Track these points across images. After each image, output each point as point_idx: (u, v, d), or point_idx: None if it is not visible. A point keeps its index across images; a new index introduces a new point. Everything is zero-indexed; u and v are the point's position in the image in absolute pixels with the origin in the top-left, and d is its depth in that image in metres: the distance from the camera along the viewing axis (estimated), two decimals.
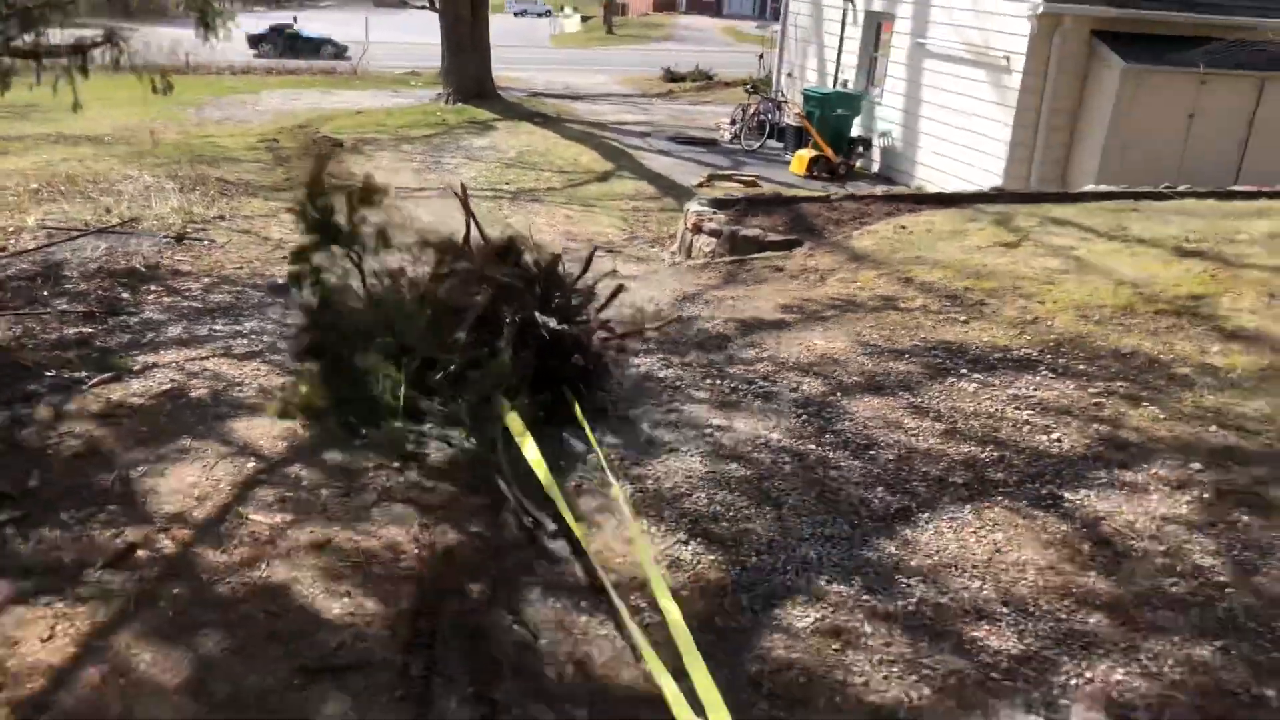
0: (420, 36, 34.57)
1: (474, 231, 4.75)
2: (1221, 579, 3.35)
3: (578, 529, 3.32)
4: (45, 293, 6.30)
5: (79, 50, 6.48)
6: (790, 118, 16.44)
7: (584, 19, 51.28)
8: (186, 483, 3.75)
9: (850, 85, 16.13)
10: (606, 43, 43.26)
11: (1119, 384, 4.95)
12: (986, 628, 3.10)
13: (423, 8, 31.54)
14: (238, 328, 5.88)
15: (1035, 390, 4.90)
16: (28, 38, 6.31)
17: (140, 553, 3.27)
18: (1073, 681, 2.87)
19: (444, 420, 4.06)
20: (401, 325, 4.06)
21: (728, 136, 17.52)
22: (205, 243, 8.34)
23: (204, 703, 2.61)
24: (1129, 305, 6.02)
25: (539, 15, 52.22)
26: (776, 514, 3.74)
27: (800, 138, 15.70)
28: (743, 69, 35.77)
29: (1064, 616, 3.16)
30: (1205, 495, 3.88)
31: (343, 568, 3.21)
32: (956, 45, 13.60)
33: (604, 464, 3.46)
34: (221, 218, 9.47)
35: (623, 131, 18.06)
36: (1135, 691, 2.83)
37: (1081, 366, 5.18)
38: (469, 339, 4.13)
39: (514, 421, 3.87)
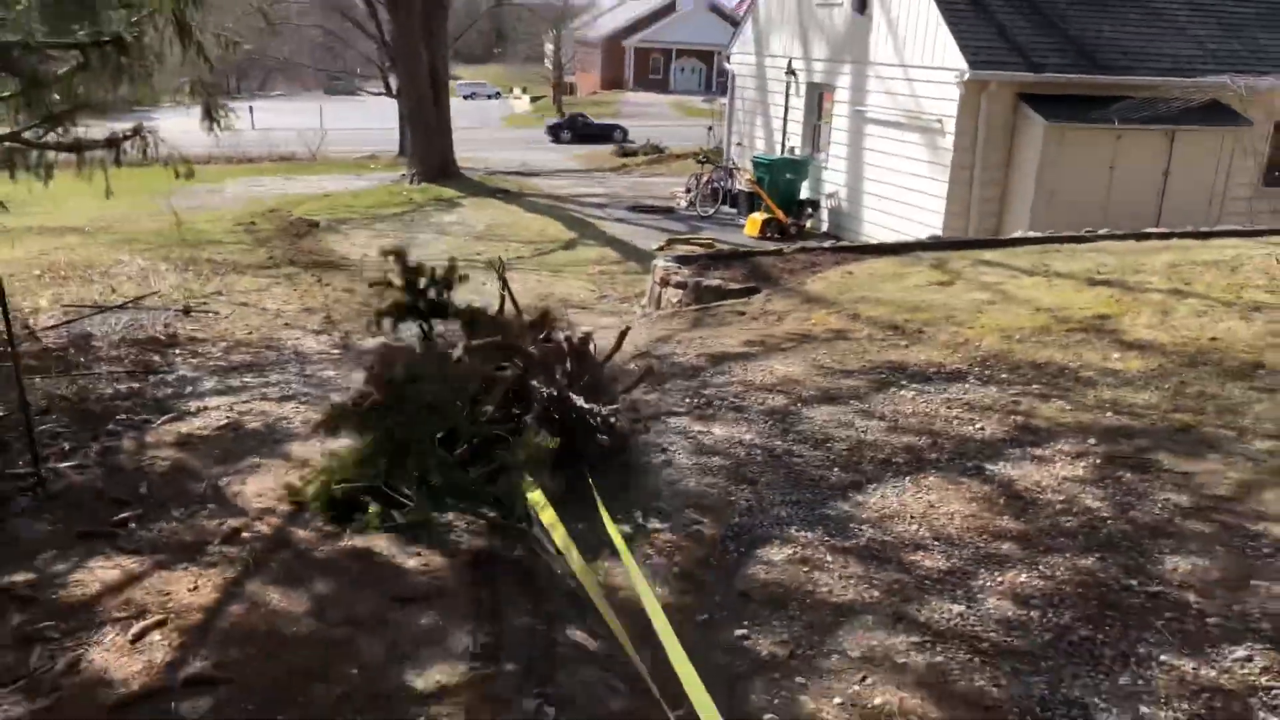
0: (372, 122, 36.08)
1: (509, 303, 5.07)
2: (1105, 515, 4.39)
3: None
4: (82, 359, 7.18)
5: (113, 144, 7.47)
6: (742, 184, 17.84)
7: (534, 99, 53.30)
8: (265, 487, 4.66)
9: (797, 151, 17.60)
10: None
11: (1034, 386, 6.05)
12: (921, 554, 4.10)
13: (379, 94, 33.05)
14: (265, 379, 6.80)
15: (964, 395, 5.98)
16: (62, 133, 7.29)
17: (244, 534, 4.17)
18: (987, 584, 3.86)
19: (471, 496, 4.22)
20: (439, 395, 4.29)
21: (683, 204, 18.87)
22: (211, 314, 9.27)
23: (326, 621, 3.51)
24: (1046, 326, 7.18)
25: (489, 97, 54.17)
26: (753, 489, 4.73)
27: (752, 202, 17.06)
28: (692, 141, 37.64)
29: (981, 545, 4.17)
30: (1097, 461, 4.94)
31: (410, 537, 4.14)
32: (893, 111, 15.10)
33: (622, 550, 3.20)
34: (219, 293, 10.41)
35: (583, 203, 19.34)
36: (1034, 588, 3.83)
37: (1003, 375, 6.29)
38: (497, 413, 4.33)
39: (536, 496, 3.95)
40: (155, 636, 3.41)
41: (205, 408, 5.95)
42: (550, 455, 4.20)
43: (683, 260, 9.80)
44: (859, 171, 16.11)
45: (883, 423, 5.58)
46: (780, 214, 16.20)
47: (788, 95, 17.75)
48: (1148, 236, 10.90)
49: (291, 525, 4.27)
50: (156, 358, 7.34)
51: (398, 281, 4.72)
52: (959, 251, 10.08)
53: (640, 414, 5.08)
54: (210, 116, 9.29)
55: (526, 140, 36.77)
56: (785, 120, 17.96)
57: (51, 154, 7.32)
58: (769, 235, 15.89)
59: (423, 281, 4.72)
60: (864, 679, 3.24)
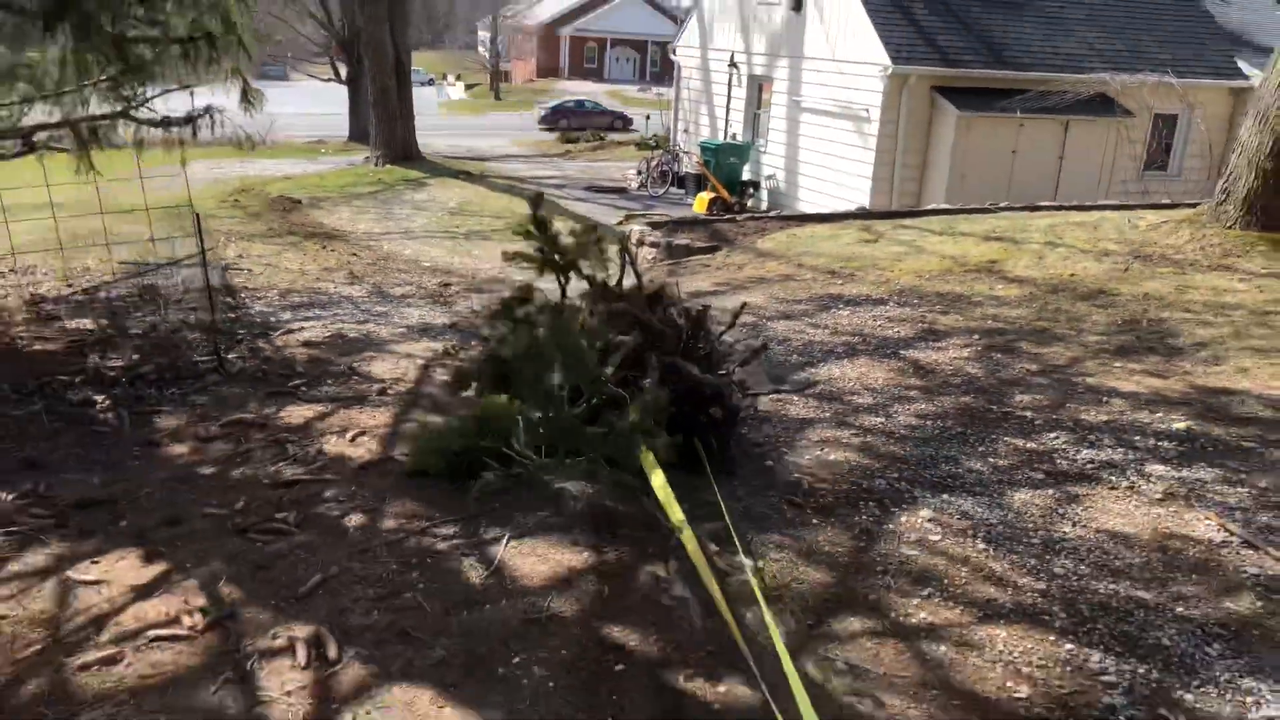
0: (311, 107, 37.30)
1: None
2: (980, 376, 6.58)
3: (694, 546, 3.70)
4: (161, 304, 8.93)
5: (189, 120, 9.21)
6: (689, 167, 19.97)
7: (468, 87, 54.74)
8: (388, 367, 6.59)
9: (739, 137, 19.80)
10: (496, 109, 46.76)
11: (937, 307, 8.26)
12: (855, 397, 6.23)
13: (329, 80, 34.38)
14: (332, 313, 8.65)
15: (885, 313, 8.16)
16: (150, 110, 9.01)
17: (390, 391, 6.10)
18: (899, 410, 6.00)
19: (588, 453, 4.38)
20: (564, 354, 4.49)
21: (635, 185, 20.94)
22: (245, 271, 11.00)
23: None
24: (948, 269, 9.42)
25: (423, 84, 55.38)
26: (741, 370, 6.80)
27: (699, 183, 19.22)
28: (630, 130, 39.76)
29: (896, 392, 6.32)
30: (978, 349, 7.14)
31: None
32: (825, 101, 17.38)
33: (727, 519, 3.72)
34: (240, 256, 12.11)
35: (541, 184, 21.26)
36: (929, 411, 5.97)
37: (915, 300, 8.48)
38: (617, 376, 4.51)
39: (646, 457, 4.10)
40: (363, 438, 5.35)
41: (301, 327, 7.80)
42: (666, 416, 4.36)
43: (654, 225, 11.86)
44: (795, 155, 18.37)
45: (826, 330, 7.72)
46: (725, 193, 18.37)
47: (730, 86, 19.93)
48: (1039, 209, 13.30)
49: (422, 385, 6.22)
50: (229, 299, 9.10)
51: (535, 233, 4.96)
52: (883, 220, 12.34)
53: (749, 390, 5.23)
54: (246, 98, 11.05)
55: (467, 127, 38.40)
56: (728, 108, 20.13)
57: (145, 129, 9.03)
58: (715, 213, 18.02)
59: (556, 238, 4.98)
60: (823, 449, 5.34)
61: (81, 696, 3.22)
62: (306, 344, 7.18)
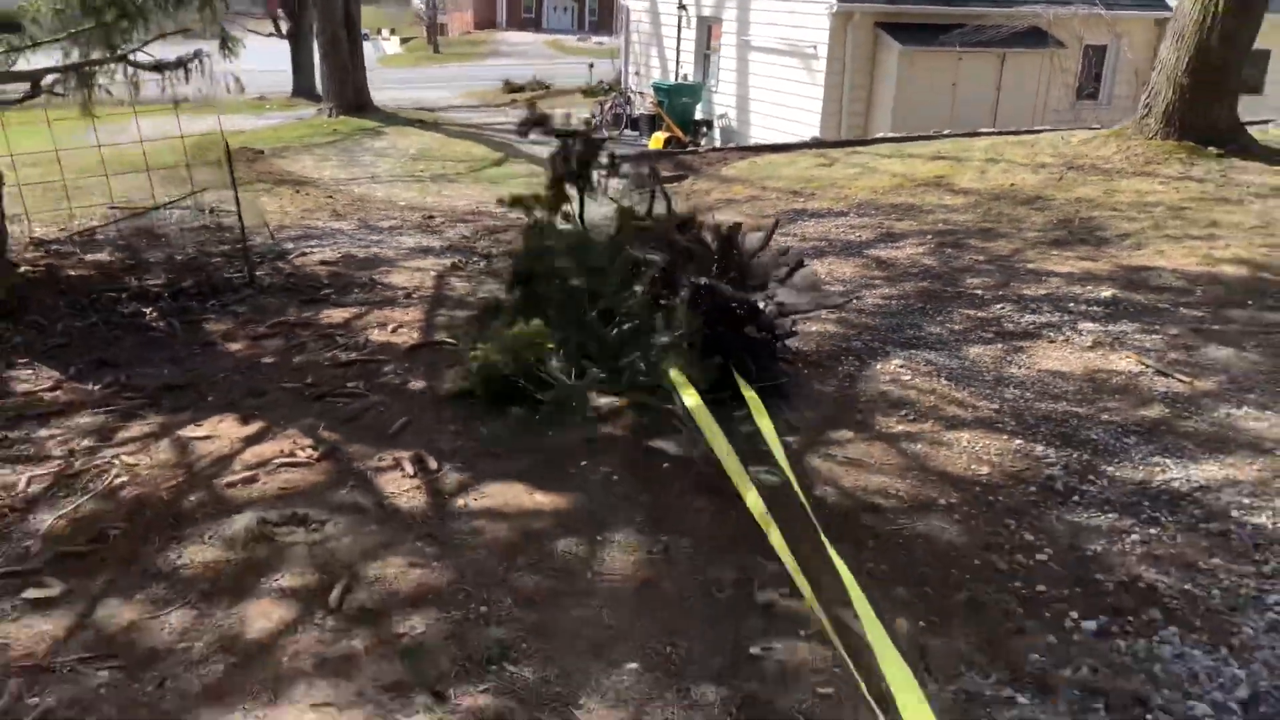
0: (247, 64, 37.09)
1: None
2: (935, 266, 7.52)
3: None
4: (166, 239, 9.52)
5: (181, 64, 9.75)
6: (643, 109, 20.66)
7: (403, 40, 54.39)
8: (404, 278, 7.34)
9: (690, 78, 20.53)
10: (435, 61, 46.66)
11: (892, 215, 9.20)
12: (829, 287, 7.13)
13: (270, 35, 34.27)
14: (331, 242, 9.31)
15: (847, 222, 9.07)
16: (145, 56, 9.53)
17: (415, 294, 6.87)
18: (866, 295, 6.92)
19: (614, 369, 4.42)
20: (590, 276, 4.59)
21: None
22: (229, 213, 11.56)
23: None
24: (900, 184, 10.36)
25: None
26: None
27: (653, 124, 19.92)
28: (574, 79, 40.17)
29: (861, 282, 7.24)
30: (932, 246, 8.09)
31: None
32: (774, 40, 18.18)
33: (772, 443, 3.66)
34: (220, 201, 12.64)
35: (497, 131, 21.77)
36: (893, 295, 6.90)
37: (872, 212, 9.41)
38: (646, 296, 4.53)
39: (676, 376, 4.12)
40: (402, 330, 6.13)
41: (311, 251, 8.49)
42: (698, 328, 4.38)
43: (624, 158, 12.61)
44: (746, 93, 19.17)
45: (795, 238, 8.62)
46: (679, 132, 19.12)
47: (679, 28, 20.61)
48: (979, 134, 14.30)
49: (441, 289, 6.99)
50: (226, 234, 9.72)
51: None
52: (835, 148, 13.24)
53: (788, 308, 5.12)
54: (226, 45, 11.54)
55: (409, 80, 38.46)
56: (678, 51, 20.83)
57: (139, 72, 9.55)
58: (670, 152, 18.80)
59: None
60: (804, 324, 6.24)
61: (234, 504, 4.02)
62: (323, 263, 7.89)
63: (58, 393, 5.45)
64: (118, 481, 4.32)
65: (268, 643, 3.11)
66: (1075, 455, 4.38)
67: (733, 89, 19.51)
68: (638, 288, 4.63)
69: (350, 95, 22.38)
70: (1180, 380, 5.17)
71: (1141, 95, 11.02)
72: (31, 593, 3.51)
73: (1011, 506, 3.95)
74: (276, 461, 4.34)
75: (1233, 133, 10.16)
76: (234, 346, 6.08)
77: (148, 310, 6.72)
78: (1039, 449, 4.45)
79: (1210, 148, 9.97)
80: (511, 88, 36.19)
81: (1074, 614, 3.22)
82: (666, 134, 19.13)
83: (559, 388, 4.42)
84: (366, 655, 3.02)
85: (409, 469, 4.21)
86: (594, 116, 21.89)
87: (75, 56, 9.34)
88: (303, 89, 31.42)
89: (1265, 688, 2.87)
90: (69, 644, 3.19)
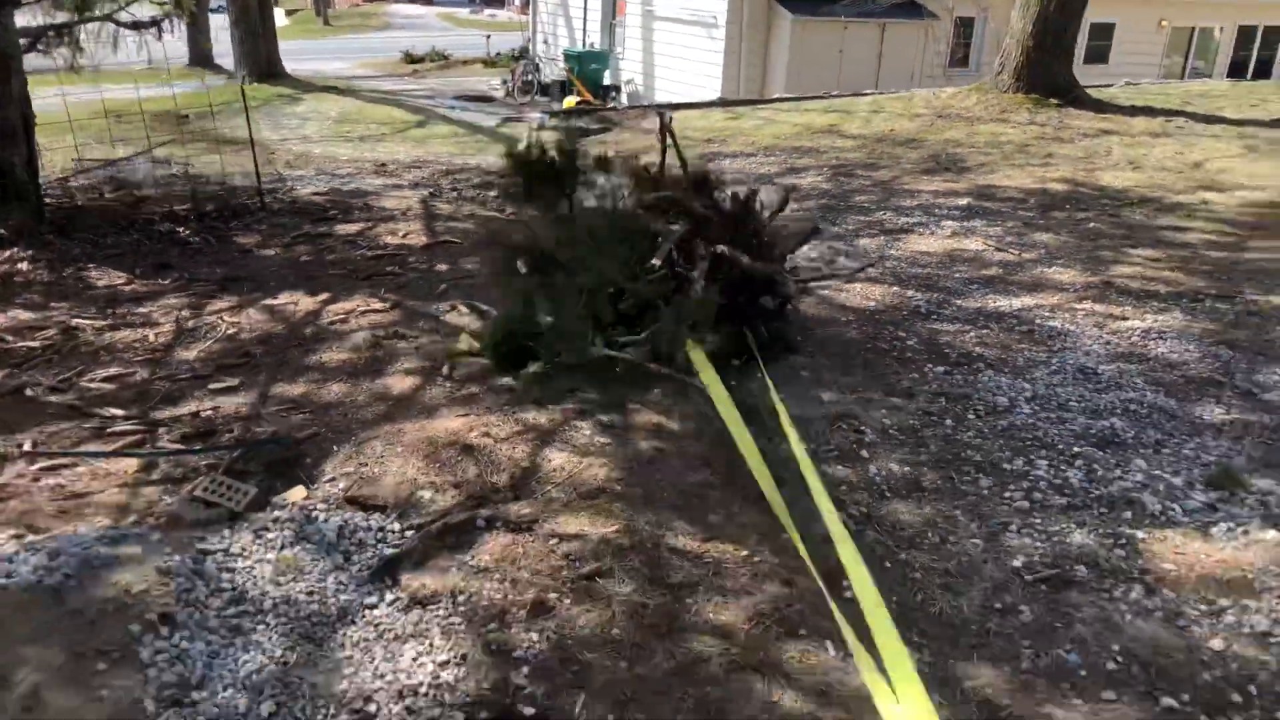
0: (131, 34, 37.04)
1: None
2: (830, 189, 9.45)
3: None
4: (145, 182, 10.79)
5: (155, 23, 11.00)
6: (551, 75, 22.25)
7: (289, 12, 54.26)
8: (393, 204, 8.89)
9: (596, 46, 22.19)
10: (327, 33, 46.98)
11: (795, 155, 11.13)
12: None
13: (163, 3, 34.41)
14: (304, 183, 10.73)
15: (757, 161, 10.96)
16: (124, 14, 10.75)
17: (407, 214, 8.44)
18: (804, 177, 8.79)
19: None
20: (599, 251, 4.58)
21: (501, 94, 23.03)
22: (187, 164, 12.78)
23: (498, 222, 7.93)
24: (799, 132, 12.31)
25: None
26: None
27: (563, 89, 21.54)
28: (472, 50, 41.22)
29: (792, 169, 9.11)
30: (828, 175, 10.03)
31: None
32: (677, 10, 19.99)
33: (779, 408, 3.91)
34: (169, 156, 13.79)
35: (411, 97, 23.03)
36: (797, 209, 8.79)
37: (778, 153, 11.33)
38: (662, 270, 4.54)
39: (697, 354, 4.18)
40: (411, 235, 7.72)
41: (296, 187, 9.93)
42: (713, 312, 4.44)
43: (550, 113, 14.26)
44: (651, 60, 20.96)
45: (720, 171, 10.44)
46: (590, 96, 20.79)
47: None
48: (862, 94, 16.42)
49: (433, 202, 8.58)
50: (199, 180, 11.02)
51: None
52: (739, 106, 15.15)
53: (801, 275, 5.21)
54: (180, 4, 12.74)
55: (306, 52, 38.96)
56: (584, 20, 22.47)
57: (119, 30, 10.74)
58: None
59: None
60: None
61: (344, 331, 5.61)
62: (316, 194, 9.37)
63: (134, 285, 6.89)
64: (230, 332, 5.86)
65: (409, 395, 4.76)
66: (935, 295, 6.31)
67: (639, 55, 21.26)
68: (655, 261, 4.58)
69: (263, 62, 23.30)
70: (1011, 254, 7.19)
71: (998, 57, 13.22)
72: (214, 385, 5.07)
73: (891, 320, 5.85)
74: (359, 310, 5.95)
75: (1069, 87, 12.43)
76: (269, 252, 7.57)
77: (180, 229, 8.14)
78: (910, 292, 6.37)
79: (1051, 99, 12.22)
80: (411, 58, 37.10)
81: (930, 365, 5.12)
82: (578, 98, 20.77)
83: (577, 351, 4.50)
84: (480, 395, 4.70)
85: (464, 309, 5.87)
86: (506, 83, 23.39)
87: (60, 18, 10.53)
88: (198, 58, 31.81)
89: (1041, 390, 4.79)
90: (254, 414, 4.77)
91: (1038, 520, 3.61)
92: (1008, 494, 3.81)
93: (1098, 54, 21.89)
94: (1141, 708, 2.69)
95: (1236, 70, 23.77)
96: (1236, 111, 12.62)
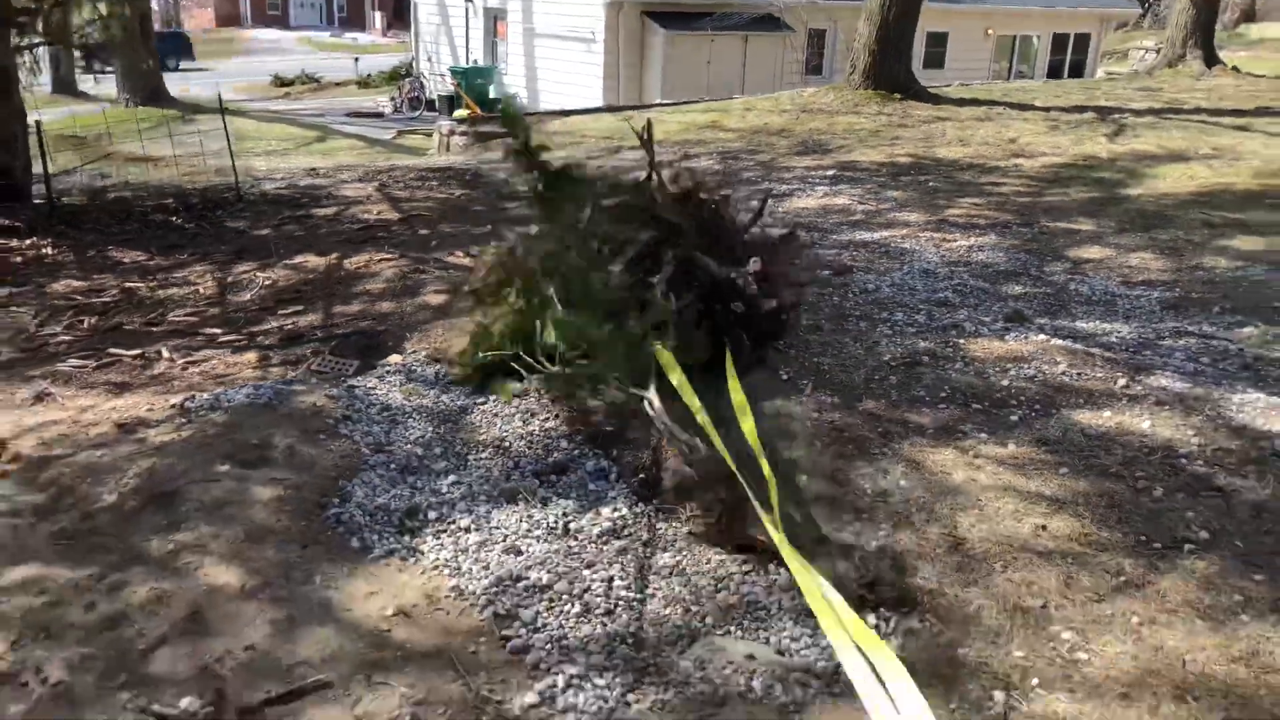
0: None
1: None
2: (720, 169, 11.53)
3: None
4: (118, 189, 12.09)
5: (103, 48, 12.30)
6: (436, 91, 23.94)
7: None
8: (353, 192, 10.54)
9: (480, 63, 23.99)
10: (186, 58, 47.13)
11: (685, 146, 13.20)
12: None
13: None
14: (256, 184, 12.21)
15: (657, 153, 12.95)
16: None
17: (369, 200, 10.10)
18: (699, 161, 10.81)
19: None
20: (569, 263, 4.69)
21: (390, 110, 24.57)
22: (124, 180, 14.01)
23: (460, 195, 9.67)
24: (685, 129, 14.44)
25: None
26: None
27: (451, 104, 23.24)
28: (340, 73, 42.35)
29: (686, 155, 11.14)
30: (716, 159, 12.11)
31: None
32: (557, 27, 22.00)
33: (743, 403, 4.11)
34: (102, 171, 14.94)
35: (301, 115, 24.33)
36: (715, 167, 10.83)
37: (670, 146, 13.37)
38: (630, 278, 4.61)
39: (664, 355, 4.24)
40: (382, 213, 9.40)
41: (257, 184, 11.41)
42: (668, 320, 4.46)
43: (459, 121, 16.02)
44: (534, 74, 22.89)
45: (623, 161, 12.41)
46: (477, 109, 22.55)
47: (468, 19, 24.03)
48: (733, 98, 18.72)
49: (388, 196, 10.26)
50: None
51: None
52: (624, 111, 17.21)
53: (777, 280, 5.14)
54: (109, 30, 13.96)
55: (168, 78, 39.31)
56: (467, 39, 24.26)
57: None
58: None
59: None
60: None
61: (371, 273, 7.30)
62: (278, 189, 10.92)
63: (156, 260, 8.39)
64: (267, 283, 7.47)
65: (445, 305, 6.50)
66: (816, 234, 8.40)
67: (522, 70, 23.17)
68: (615, 268, 4.67)
69: (148, 87, 24.23)
70: (871, 205, 9.37)
71: (849, 60, 15.66)
72: (282, 312, 6.71)
73: None
74: (374, 260, 7.64)
75: (909, 84, 14.96)
76: (263, 231, 9.14)
77: (173, 218, 9.61)
78: (798, 233, 8.43)
79: (895, 94, 14.69)
80: (282, 81, 38.02)
81: (818, 272, 7.16)
82: (466, 111, 22.51)
83: (547, 374, 4.73)
84: None
85: (459, 255, 7.63)
86: (394, 100, 24.92)
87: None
88: (60, 86, 32.18)
89: (897, 281, 6.88)
90: (328, 324, 6.44)
91: (898, 339, 5.66)
92: (878, 329, 5.85)
93: (935, 59, 24.90)
94: (963, 411, 4.73)
95: (1054, 72, 27.28)
96: (1044, 101, 15.40)
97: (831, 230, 8.51)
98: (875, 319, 6.06)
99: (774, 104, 15.61)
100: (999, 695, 2.99)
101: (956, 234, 8.24)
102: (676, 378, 4.19)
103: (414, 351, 5.73)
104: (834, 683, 3.07)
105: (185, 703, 2.96)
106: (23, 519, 3.97)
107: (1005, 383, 5.03)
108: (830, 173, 10.88)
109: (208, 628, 3.29)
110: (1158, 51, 24.50)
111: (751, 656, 3.20)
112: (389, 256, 7.74)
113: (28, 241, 8.83)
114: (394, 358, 5.65)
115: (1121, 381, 4.99)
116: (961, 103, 15.01)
